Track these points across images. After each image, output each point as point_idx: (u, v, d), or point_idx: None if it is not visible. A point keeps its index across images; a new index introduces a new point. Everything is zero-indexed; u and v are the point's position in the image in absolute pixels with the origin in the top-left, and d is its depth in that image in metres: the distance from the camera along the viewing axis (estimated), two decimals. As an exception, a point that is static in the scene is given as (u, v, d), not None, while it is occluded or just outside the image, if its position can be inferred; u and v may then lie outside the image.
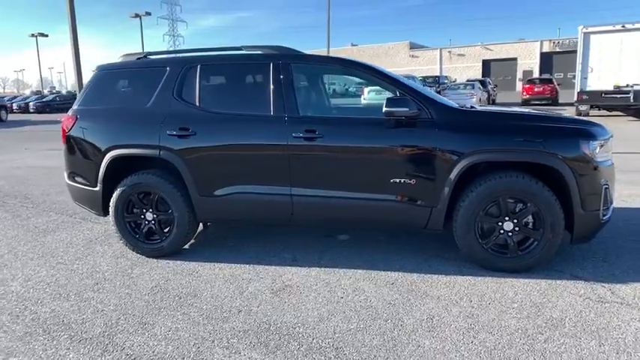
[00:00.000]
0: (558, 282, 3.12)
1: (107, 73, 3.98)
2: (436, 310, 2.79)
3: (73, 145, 3.93)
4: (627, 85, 14.09)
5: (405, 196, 3.29)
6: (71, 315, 2.88)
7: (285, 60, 3.54)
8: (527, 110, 3.85)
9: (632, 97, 13.99)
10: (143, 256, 3.83)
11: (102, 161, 3.75)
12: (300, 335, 2.57)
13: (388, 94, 3.39)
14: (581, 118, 3.53)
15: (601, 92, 14.49)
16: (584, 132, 3.13)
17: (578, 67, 14.78)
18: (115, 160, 3.72)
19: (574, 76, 17.16)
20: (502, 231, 3.23)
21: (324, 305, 2.91)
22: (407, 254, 3.70)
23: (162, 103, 3.68)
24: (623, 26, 13.86)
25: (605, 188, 3.16)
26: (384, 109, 3.16)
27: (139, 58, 3.98)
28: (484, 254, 3.27)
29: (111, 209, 3.81)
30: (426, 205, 3.28)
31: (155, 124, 3.63)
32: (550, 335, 2.48)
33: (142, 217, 3.78)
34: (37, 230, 4.70)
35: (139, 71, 3.93)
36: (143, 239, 3.81)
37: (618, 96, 14.21)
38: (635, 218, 4.50)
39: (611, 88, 14.32)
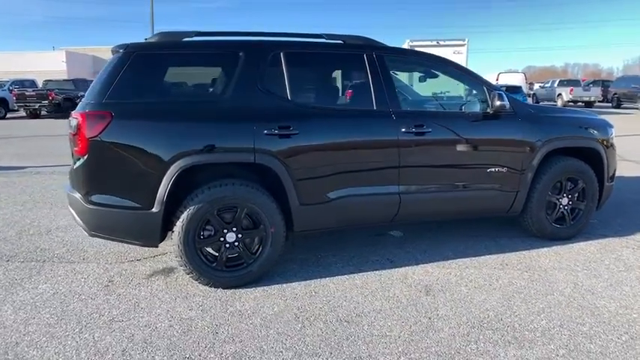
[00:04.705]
0: (601, 241, 3.93)
1: (144, 56, 2.96)
2: (570, 278, 3.19)
3: (106, 154, 2.80)
4: (441, 92, 17.57)
5: (499, 183, 3.59)
6: (251, 375, 2.16)
7: (379, 52, 3.37)
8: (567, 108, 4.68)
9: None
10: (211, 288, 3.04)
11: (165, 173, 2.82)
12: (516, 324, 2.59)
13: None
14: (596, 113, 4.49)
15: (424, 98, 17.63)
16: (608, 123, 4.04)
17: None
18: (185, 171, 2.85)
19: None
20: (561, 206, 3.87)
21: (487, 294, 2.96)
22: (477, 239, 3.98)
23: (245, 96, 3.00)
24: (437, 42, 17.21)
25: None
26: (497, 102, 3.39)
27: (184, 39, 3.11)
28: (551, 228, 3.85)
29: (177, 235, 2.89)
30: (512, 190, 3.65)
31: (245, 122, 2.94)
32: (660, 278, 3.18)
33: (221, 239, 3.00)
34: (2, 287, 3.12)
35: (195, 55, 3.08)
36: (222, 267, 3.02)
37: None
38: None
39: (430, 95, 17.58)
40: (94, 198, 2.87)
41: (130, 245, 3.80)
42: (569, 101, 24.46)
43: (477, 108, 3.52)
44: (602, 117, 4.26)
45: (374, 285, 3.12)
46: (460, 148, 3.47)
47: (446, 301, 2.88)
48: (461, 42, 17.08)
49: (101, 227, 2.94)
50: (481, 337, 2.47)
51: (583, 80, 29.91)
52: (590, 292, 2.98)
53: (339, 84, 3.54)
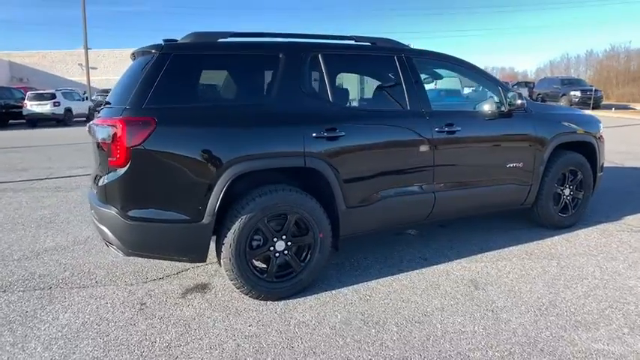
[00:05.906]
0: (599, 227, 4.27)
1: (183, 58, 2.74)
2: (593, 262, 3.43)
3: (150, 163, 2.55)
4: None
5: (517, 177, 3.78)
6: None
7: (408, 53, 3.41)
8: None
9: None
10: (260, 302, 2.90)
11: (217, 182, 2.63)
12: (571, 308, 2.73)
13: None
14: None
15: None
16: (597, 119, 4.41)
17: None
18: (236, 178, 2.68)
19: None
20: (564, 196, 4.16)
21: (531, 284, 3.09)
22: (491, 232, 4.15)
23: (289, 98, 2.89)
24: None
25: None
26: (518, 101, 3.57)
27: (219, 40, 2.93)
28: (558, 217, 4.12)
29: (228, 248, 2.71)
30: (527, 183, 3.86)
31: (294, 126, 2.83)
32: (666, 256, 3.53)
33: (271, 248, 2.86)
34: (15, 321, 2.71)
35: (235, 56, 2.91)
36: (272, 278, 2.88)
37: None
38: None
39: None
40: (134, 213, 2.61)
41: (145, 263, 3.54)
42: (499, 101, 26.31)
43: (493, 107, 3.66)
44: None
45: (421, 284, 3.15)
46: (486, 145, 3.62)
47: (497, 293, 2.97)
48: None
49: (143, 244, 2.68)
50: (549, 323, 2.58)
51: (509, 82, 32.41)
52: (617, 274, 3.23)
53: (373, 85, 3.53)
